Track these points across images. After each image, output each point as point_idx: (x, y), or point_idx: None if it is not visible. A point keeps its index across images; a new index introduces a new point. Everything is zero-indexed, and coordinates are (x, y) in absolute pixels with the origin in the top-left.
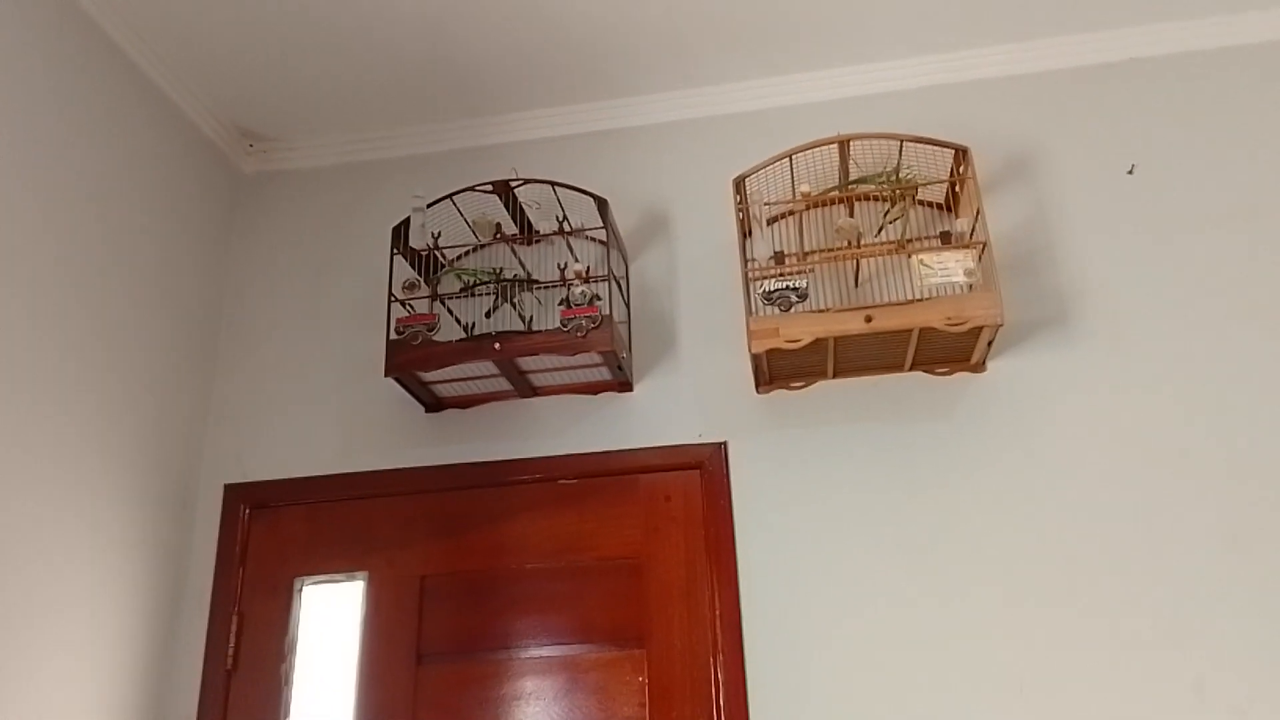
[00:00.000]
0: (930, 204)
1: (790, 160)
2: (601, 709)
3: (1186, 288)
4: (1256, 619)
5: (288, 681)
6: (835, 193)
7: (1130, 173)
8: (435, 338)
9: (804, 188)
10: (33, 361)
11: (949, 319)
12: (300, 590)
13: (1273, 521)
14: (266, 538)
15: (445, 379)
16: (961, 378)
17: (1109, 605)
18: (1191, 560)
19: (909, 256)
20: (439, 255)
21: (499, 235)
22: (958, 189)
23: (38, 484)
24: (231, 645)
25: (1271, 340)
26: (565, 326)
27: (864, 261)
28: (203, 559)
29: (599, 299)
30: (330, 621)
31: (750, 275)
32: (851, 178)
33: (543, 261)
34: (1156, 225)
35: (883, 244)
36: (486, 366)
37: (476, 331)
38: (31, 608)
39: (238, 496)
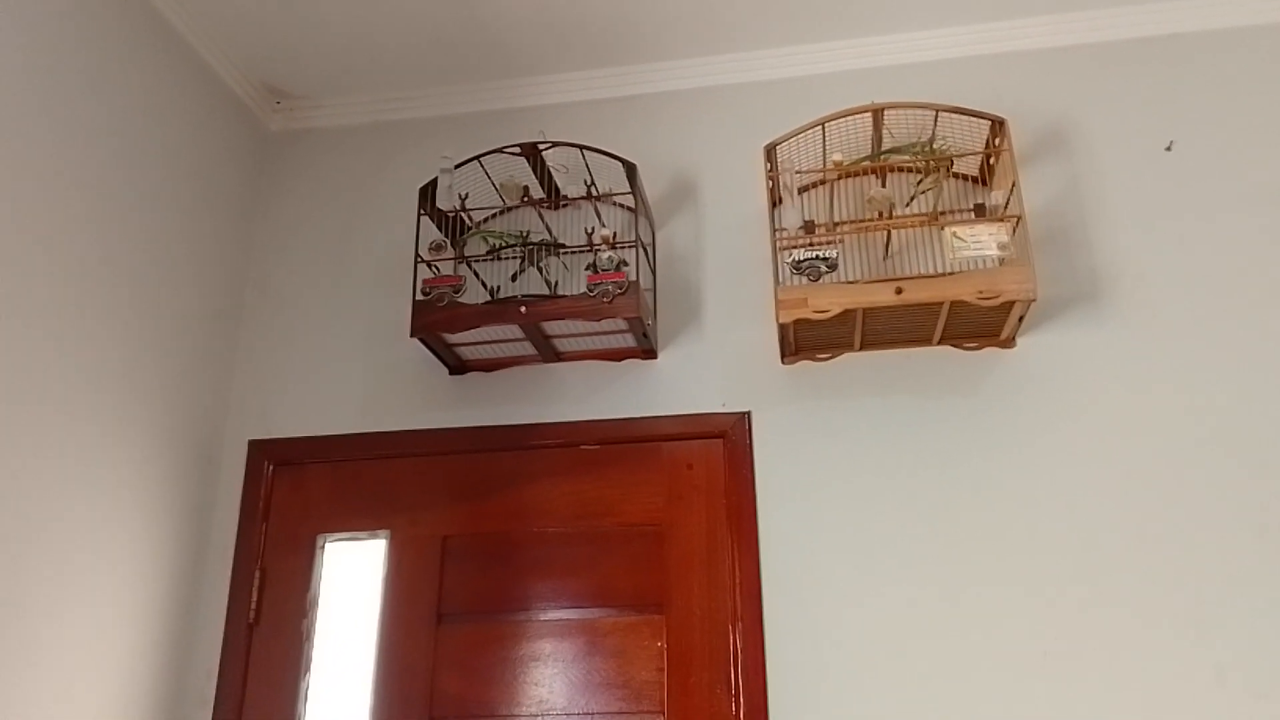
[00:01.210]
0: (964, 176)
1: (823, 129)
2: (619, 672)
3: (1222, 269)
4: None
5: (309, 637)
6: (867, 163)
7: (1168, 150)
8: (461, 300)
9: (836, 157)
10: (59, 319)
11: (981, 292)
12: (323, 547)
13: None
14: (290, 494)
15: (470, 341)
16: (991, 353)
17: (1133, 587)
18: (1218, 546)
19: (941, 229)
20: (466, 217)
21: (526, 199)
22: (992, 161)
23: (65, 440)
24: (254, 600)
25: None
26: (591, 291)
27: (894, 233)
28: (226, 514)
29: (625, 264)
30: (352, 579)
31: (779, 244)
32: (884, 148)
33: (569, 226)
34: (1194, 204)
35: (915, 216)
36: (511, 330)
37: (502, 295)
38: (58, 562)
39: (262, 453)
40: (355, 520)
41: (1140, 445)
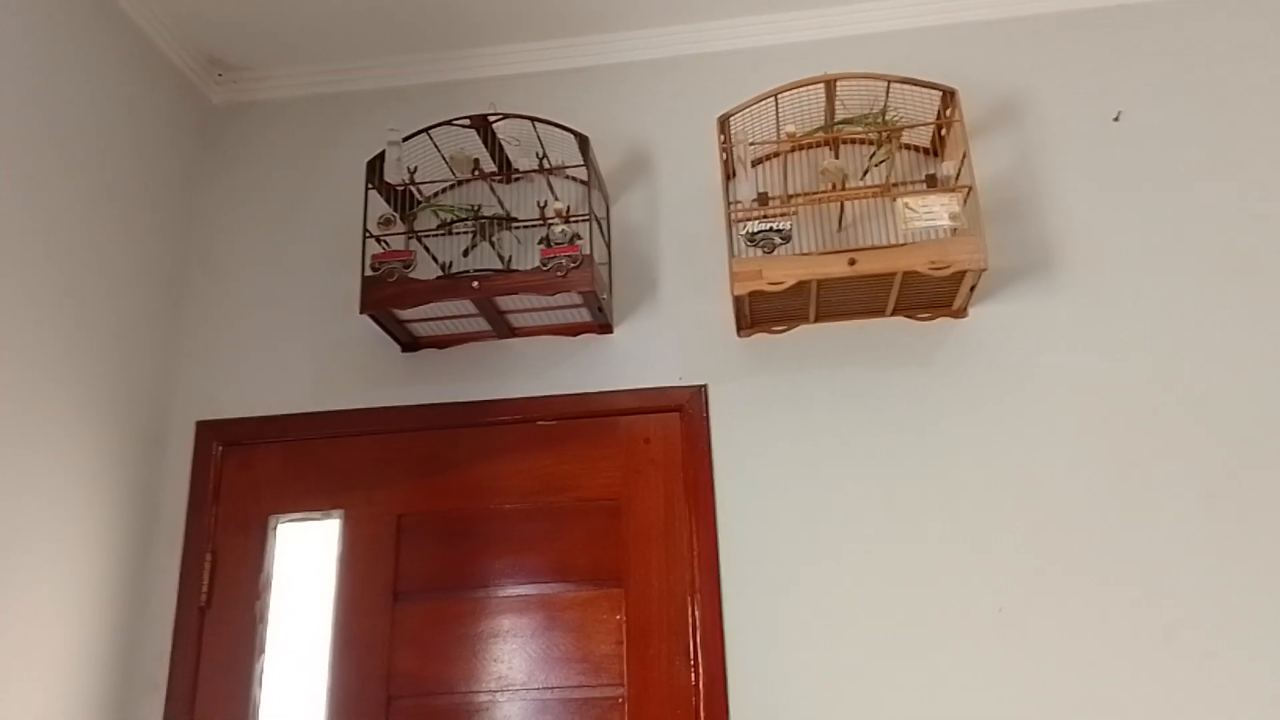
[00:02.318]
0: (916, 148)
1: (776, 100)
2: (578, 646)
3: (1171, 238)
4: (1228, 568)
5: (262, 619)
6: (821, 134)
7: (1116, 120)
8: (412, 275)
9: (789, 128)
10: None
11: (932, 263)
12: (275, 528)
13: (1249, 476)
14: (240, 475)
15: (422, 318)
16: (943, 323)
17: (1084, 550)
18: (1167, 510)
19: (894, 200)
20: (415, 191)
21: (477, 172)
22: (944, 133)
23: (6, 425)
24: (205, 583)
25: (1255, 293)
26: (545, 266)
27: (848, 205)
28: (175, 496)
29: (579, 238)
30: (306, 560)
31: (733, 216)
32: (837, 119)
33: (522, 200)
34: (1142, 174)
35: (868, 187)
36: (464, 305)
37: (454, 270)
38: (4, 546)
39: (210, 433)
40: (308, 500)
41: (1090, 412)
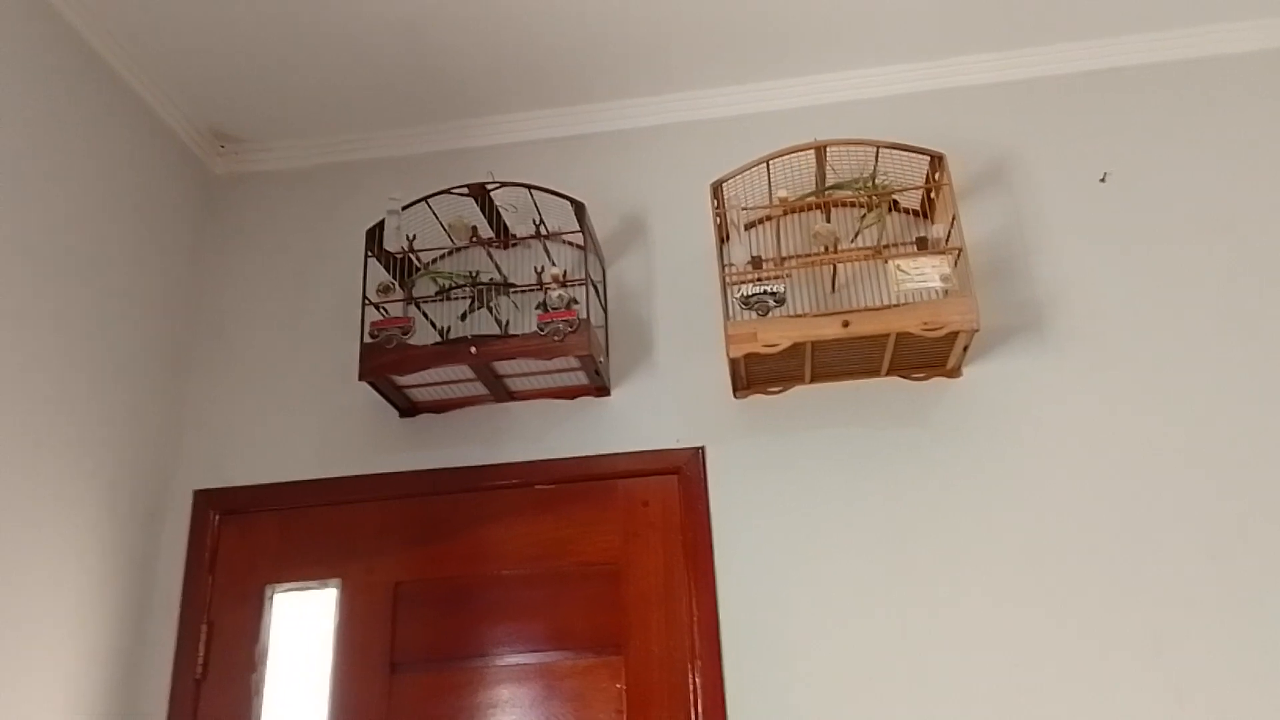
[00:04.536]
0: (907, 210)
1: (768, 166)
2: (578, 716)
3: (1160, 296)
4: (1235, 626)
5: (258, 691)
6: (812, 198)
7: (1103, 180)
8: (410, 341)
9: (781, 193)
10: None
11: (925, 324)
12: (271, 598)
13: (1250, 529)
14: (237, 545)
15: (420, 383)
16: (938, 383)
17: (1087, 611)
18: (1170, 568)
19: (885, 262)
20: (414, 258)
21: (475, 239)
22: (934, 195)
23: (2, 492)
24: (201, 654)
25: (1245, 348)
26: (542, 330)
27: (841, 267)
28: (172, 566)
29: (576, 303)
30: (302, 630)
31: (728, 280)
32: (828, 184)
33: (519, 265)
34: (1131, 234)
35: (859, 249)
36: (462, 370)
37: (452, 335)
38: None
39: (208, 502)
40: (305, 569)
41: (1087, 469)
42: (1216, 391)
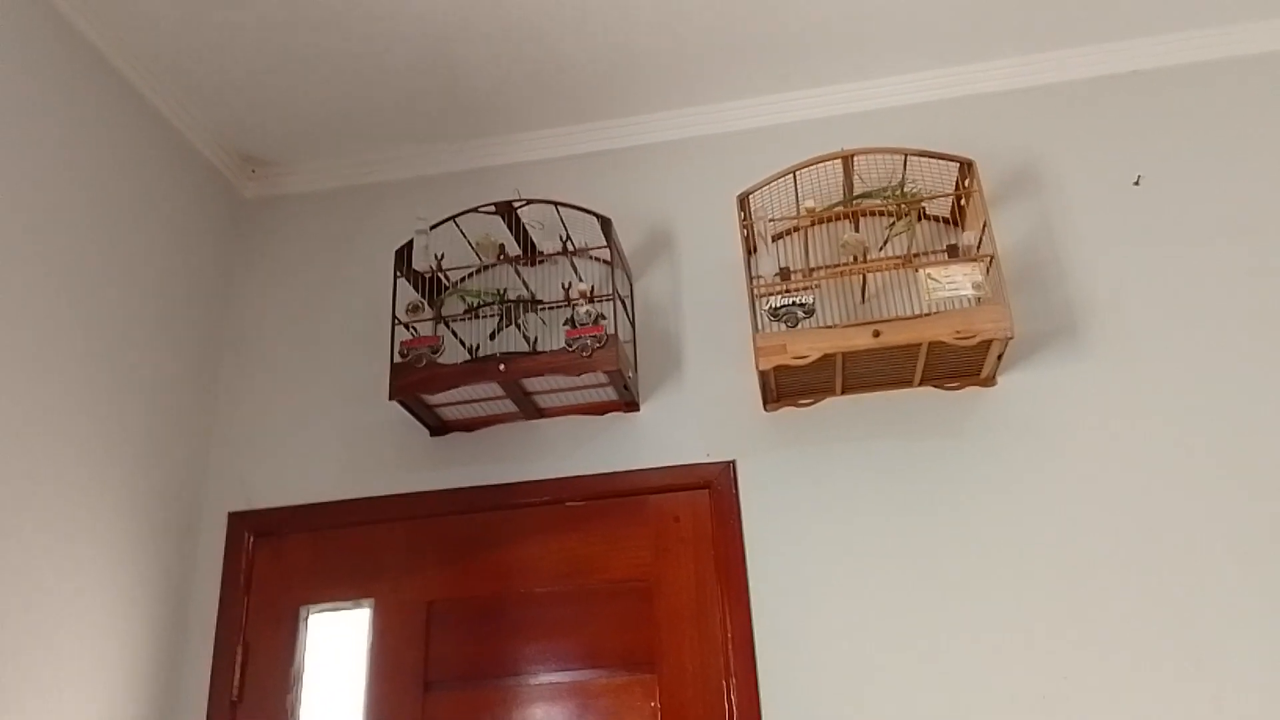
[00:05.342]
0: (936, 218)
1: (794, 176)
2: None
3: (1195, 299)
4: (1275, 636)
5: (294, 713)
6: (840, 208)
7: (1136, 184)
8: (439, 360)
9: (809, 203)
10: (33, 389)
11: (958, 333)
12: (306, 619)
13: None
14: (271, 566)
15: (450, 401)
16: (972, 392)
17: (1126, 623)
18: (1208, 577)
19: (916, 271)
20: (442, 277)
21: (502, 256)
22: (963, 202)
23: (39, 514)
24: (237, 676)
25: None
26: (570, 346)
27: (870, 276)
28: (207, 588)
29: (604, 318)
30: (336, 650)
31: (756, 292)
32: (856, 193)
33: (547, 282)
34: (1164, 237)
35: (889, 259)
36: (491, 388)
37: (481, 353)
38: (34, 639)
39: (242, 524)
40: (338, 589)
41: (1125, 478)
42: (1254, 397)
